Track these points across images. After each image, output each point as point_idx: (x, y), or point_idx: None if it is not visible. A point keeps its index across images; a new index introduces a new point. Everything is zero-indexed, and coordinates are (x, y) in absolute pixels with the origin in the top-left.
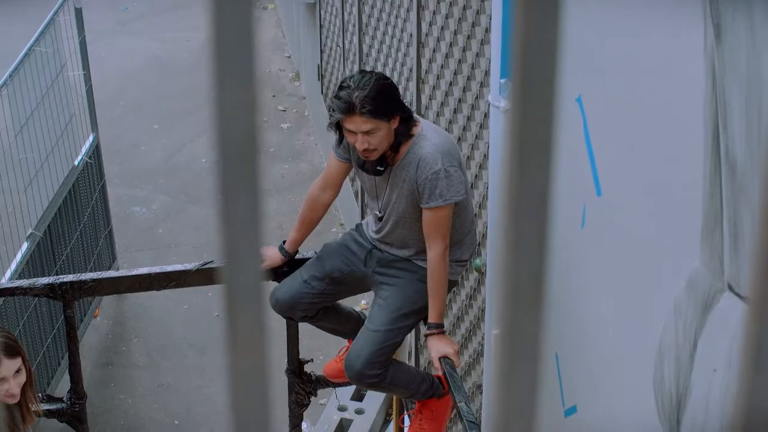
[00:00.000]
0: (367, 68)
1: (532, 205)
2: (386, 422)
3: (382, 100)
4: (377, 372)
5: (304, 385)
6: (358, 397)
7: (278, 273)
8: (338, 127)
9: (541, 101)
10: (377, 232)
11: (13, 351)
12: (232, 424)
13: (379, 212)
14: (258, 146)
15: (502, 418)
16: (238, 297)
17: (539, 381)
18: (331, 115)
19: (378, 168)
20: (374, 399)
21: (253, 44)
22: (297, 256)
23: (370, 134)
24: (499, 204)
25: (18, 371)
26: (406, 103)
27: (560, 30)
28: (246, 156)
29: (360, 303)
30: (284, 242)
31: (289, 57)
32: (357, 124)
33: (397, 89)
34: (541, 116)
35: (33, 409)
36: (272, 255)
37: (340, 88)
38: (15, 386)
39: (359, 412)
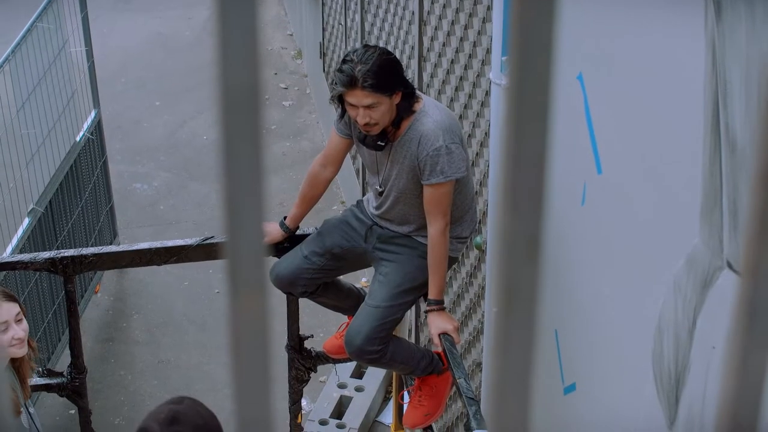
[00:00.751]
0: None
1: (529, 163)
2: (386, 400)
3: (384, 74)
4: (377, 348)
5: (304, 361)
6: (358, 374)
7: (279, 249)
8: (341, 101)
9: (539, 62)
10: (377, 208)
11: (10, 296)
12: (234, 386)
13: (380, 187)
14: (260, 98)
15: (500, 377)
16: (241, 247)
17: (536, 339)
18: (333, 89)
19: (379, 143)
20: (374, 377)
21: None
22: (297, 232)
23: (371, 108)
24: (498, 163)
25: (19, 319)
26: (409, 80)
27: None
28: (248, 108)
29: (360, 280)
30: (285, 218)
31: (291, 35)
32: (359, 98)
33: (399, 65)
34: (539, 76)
35: (29, 383)
36: (273, 230)
37: (343, 61)
38: (20, 331)
39: (359, 389)
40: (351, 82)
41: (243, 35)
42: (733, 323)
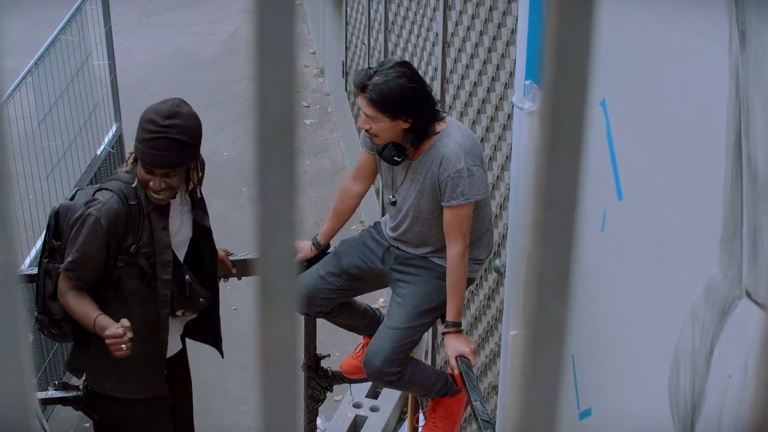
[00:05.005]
0: None
1: (561, 197)
2: (400, 420)
3: (389, 97)
4: (396, 370)
5: (320, 381)
6: (373, 394)
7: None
8: None
9: (573, 95)
10: (394, 229)
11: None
12: (262, 405)
13: (392, 197)
14: (295, 124)
15: (525, 408)
16: (273, 269)
17: (563, 372)
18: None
19: (395, 158)
20: (389, 397)
21: (294, 23)
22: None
23: (371, 119)
24: (530, 195)
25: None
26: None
27: (594, 27)
28: (283, 133)
29: (378, 301)
30: (317, 235)
31: (314, 53)
32: (361, 103)
33: (415, 95)
34: (573, 109)
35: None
36: (304, 247)
37: (374, 66)
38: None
39: (374, 409)
40: (360, 86)
41: (280, 61)
42: (761, 354)
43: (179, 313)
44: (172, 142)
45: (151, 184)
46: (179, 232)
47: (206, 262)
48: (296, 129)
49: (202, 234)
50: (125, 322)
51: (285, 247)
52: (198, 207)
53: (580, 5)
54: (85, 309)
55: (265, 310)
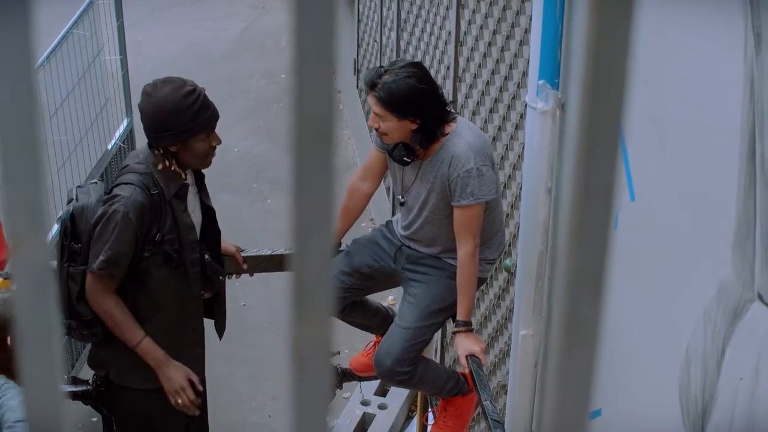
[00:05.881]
0: None
1: (597, 198)
2: (408, 418)
3: (398, 96)
4: (407, 369)
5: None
6: (382, 392)
7: None
8: None
9: (611, 96)
10: (406, 228)
11: None
12: (294, 406)
13: (401, 197)
14: (333, 130)
15: (558, 408)
16: (309, 273)
17: (596, 372)
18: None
19: (405, 159)
20: (397, 395)
21: (334, 26)
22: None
23: (379, 117)
24: (565, 197)
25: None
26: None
27: (633, 28)
28: (320, 139)
29: (387, 299)
30: None
31: None
32: (371, 101)
33: (424, 96)
34: (611, 111)
35: None
36: None
37: (386, 65)
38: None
39: (382, 407)
40: (369, 84)
41: (319, 68)
42: None
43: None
44: (207, 96)
45: (213, 143)
46: (194, 212)
47: (215, 243)
48: (334, 131)
49: (207, 215)
50: (192, 376)
51: (320, 249)
52: (202, 188)
53: (619, 6)
54: (128, 323)
55: (299, 310)
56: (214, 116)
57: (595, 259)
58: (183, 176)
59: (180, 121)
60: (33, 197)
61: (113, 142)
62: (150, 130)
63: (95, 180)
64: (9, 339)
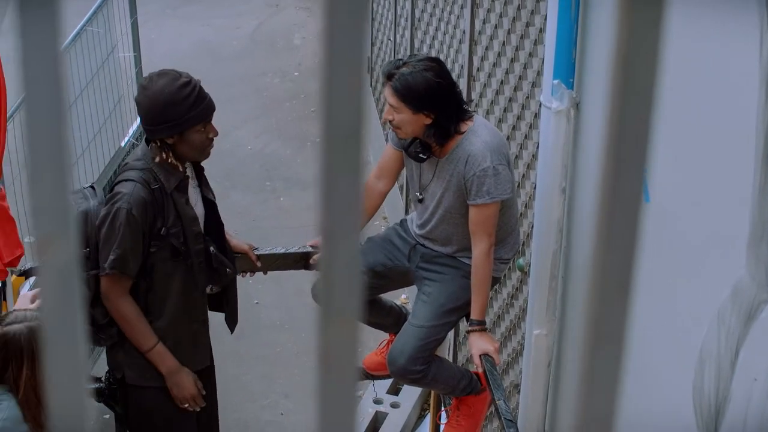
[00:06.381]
0: None
1: (626, 203)
2: (421, 417)
3: (414, 90)
4: (420, 368)
5: None
6: (394, 391)
7: None
8: None
9: (641, 102)
10: (421, 227)
11: None
12: (320, 409)
13: (419, 194)
14: (363, 134)
15: (585, 411)
16: (337, 276)
17: (623, 375)
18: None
19: (420, 155)
20: (410, 393)
21: (364, 29)
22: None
23: (394, 109)
24: (594, 200)
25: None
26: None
27: (663, 33)
28: (350, 142)
29: (400, 297)
30: None
31: None
32: (387, 92)
33: (440, 91)
34: (640, 117)
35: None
36: None
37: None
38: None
39: (395, 405)
40: (387, 75)
41: (348, 73)
42: None
43: (208, 289)
44: (202, 89)
45: (210, 135)
46: (195, 205)
47: (219, 235)
48: (364, 135)
49: (209, 208)
50: (198, 382)
51: (349, 252)
52: (203, 181)
53: (649, 11)
54: (142, 328)
55: (327, 313)
56: (210, 107)
57: (623, 262)
58: (180, 169)
59: (176, 113)
60: (60, 199)
61: (126, 139)
62: (147, 122)
63: (90, 184)
64: (25, 366)
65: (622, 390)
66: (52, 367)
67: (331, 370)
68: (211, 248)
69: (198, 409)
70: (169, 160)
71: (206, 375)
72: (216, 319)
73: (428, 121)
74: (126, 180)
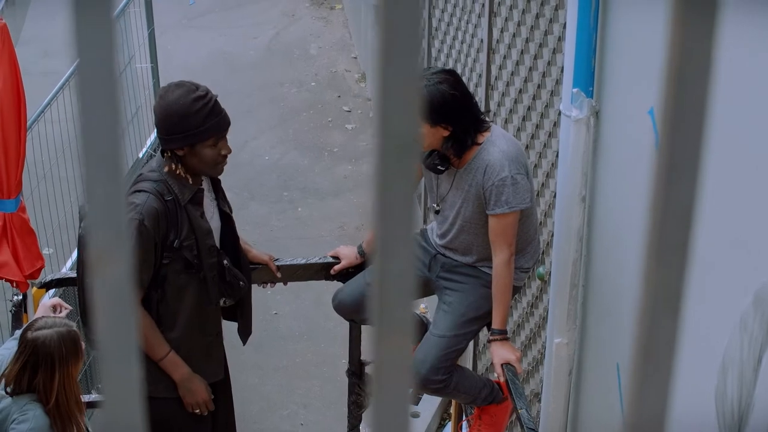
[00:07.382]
0: None
1: (678, 216)
2: (441, 426)
3: (430, 102)
4: (442, 378)
5: (364, 387)
6: (414, 400)
7: (347, 274)
8: None
9: (694, 115)
10: (442, 237)
11: None
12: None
13: (436, 205)
14: (417, 147)
15: (635, 424)
16: (391, 286)
17: (673, 392)
18: None
19: (439, 167)
20: (430, 403)
21: (417, 47)
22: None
23: None
24: (646, 214)
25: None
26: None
27: (715, 45)
28: (405, 155)
29: (419, 307)
30: (362, 243)
31: (356, 58)
32: None
33: (454, 103)
34: (693, 130)
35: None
36: (349, 254)
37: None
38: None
39: (415, 415)
40: None
41: (405, 86)
42: None
43: (221, 302)
44: (218, 103)
45: (223, 152)
46: (212, 219)
47: (234, 249)
48: (417, 149)
49: (225, 221)
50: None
51: (402, 268)
52: (220, 194)
53: (702, 23)
54: (155, 337)
55: (380, 329)
56: (223, 123)
57: (675, 277)
58: (190, 181)
59: (187, 125)
60: (115, 215)
61: (144, 150)
62: (160, 132)
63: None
64: (58, 372)
65: (671, 405)
66: (108, 384)
67: (385, 386)
68: (225, 262)
69: (205, 412)
70: (178, 172)
71: (222, 388)
72: (234, 331)
73: (446, 133)
74: (139, 191)
